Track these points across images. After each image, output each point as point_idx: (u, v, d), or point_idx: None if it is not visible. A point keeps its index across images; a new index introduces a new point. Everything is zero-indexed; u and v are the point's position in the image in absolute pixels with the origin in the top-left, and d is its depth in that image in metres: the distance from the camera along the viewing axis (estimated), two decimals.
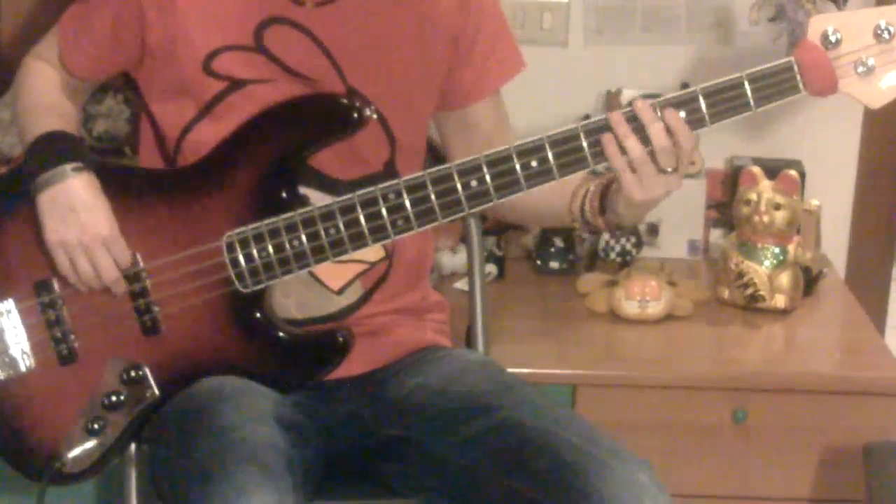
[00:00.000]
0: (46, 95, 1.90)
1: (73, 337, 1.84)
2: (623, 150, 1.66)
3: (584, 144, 1.68)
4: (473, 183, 1.70)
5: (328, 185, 1.84)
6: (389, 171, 1.88)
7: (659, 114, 1.65)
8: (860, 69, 1.61)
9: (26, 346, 1.85)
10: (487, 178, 1.70)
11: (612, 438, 1.70)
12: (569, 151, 1.68)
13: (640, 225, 2.70)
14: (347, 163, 1.84)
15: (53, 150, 1.80)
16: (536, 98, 2.63)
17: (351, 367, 1.87)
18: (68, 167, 1.78)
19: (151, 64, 1.84)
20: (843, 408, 2.32)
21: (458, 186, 1.71)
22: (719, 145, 2.77)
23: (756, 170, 2.52)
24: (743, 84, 1.63)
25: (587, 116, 2.72)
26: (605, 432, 1.71)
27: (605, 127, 1.67)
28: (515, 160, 1.69)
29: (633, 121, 1.66)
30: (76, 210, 1.77)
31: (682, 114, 1.65)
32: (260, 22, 1.80)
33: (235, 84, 1.81)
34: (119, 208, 1.81)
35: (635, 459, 1.66)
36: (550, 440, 1.68)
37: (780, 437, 2.33)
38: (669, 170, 1.67)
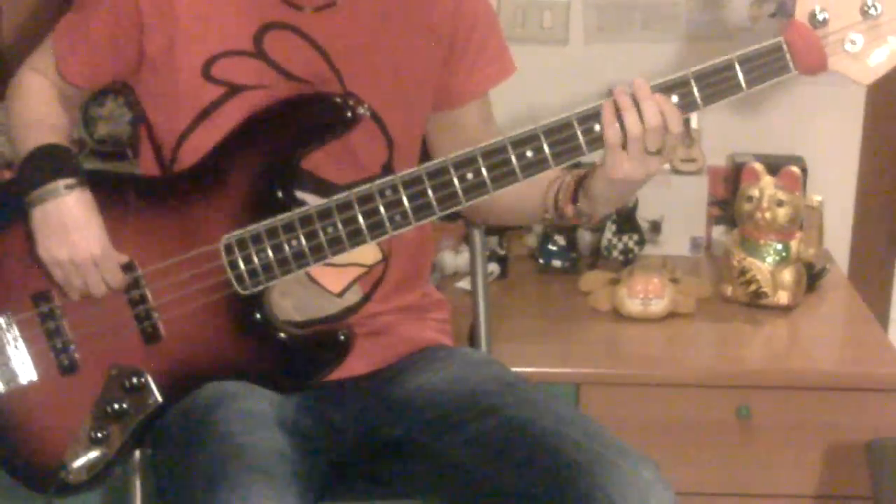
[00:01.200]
0: (39, 109, 1.88)
1: (73, 347, 1.83)
2: (620, 123, 1.66)
3: (579, 132, 1.68)
4: (469, 175, 1.70)
5: (325, 188, 1.83)
6: (387, 173, 1.87)
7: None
8: (848, 46, 1.62)
9: (26, 358, 1.84)
10: (483, 170, 1.70)
11: (617, 437, 1.70)
12: (563, 140, 1.68)
13: (642, 223, 2.70)
14: (345, 166, 1.84)
15: (47, 165, 1.79)
16: (537, 96, 2.63)
17: (353, 367, 1.87)
18: (61, 184, 1.77)
19: (149, 71, 1.84)
20: (847, 404, 2.32)
21: (455, 180, 1.70)
22: (721, 142, 2.77)
23: (758, 166, 2.52)
24: (734, 66, 1.64)
25: None
26: (609, 430, 1.71)
27: (597, 114, 1.67)
28: (510, 151, 1.69)
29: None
30: (68, 229, 1.77)
31: (675, 98, 1.66)
32: (259, 27, 1.80)
33: (234, 90, 1.80)
34: (115, 215, 1.81)
35: (640, 457, 1.66)
36: (555, 439, 1.68)
37: (784, 433, 2.33)
38: (653, 150, 1.67)
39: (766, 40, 2.29)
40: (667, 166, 2.55)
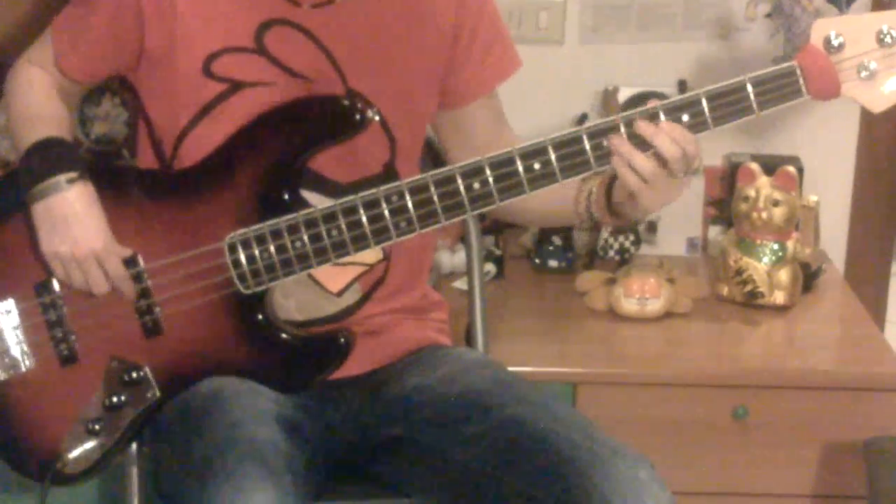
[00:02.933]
0: (39, 102, 1.88)
1: (73, 337, 1.84)
2: (634, 169, 1.66)
3: (587, 147, 1.68)
4: (476, 185, 1.70)
5: (327, 187, 1.83)
6: (389, 172, 1.87)
7: (662, 119, 1.65)
8: (863, 73, 1.62)
9: (27, 347, 1.85)
10: (490, 180, 1.70)
11: (613, 436, 1.70)
12: (572, 154, 1.68)
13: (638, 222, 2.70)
14: (346, 165, 1.84)
15: (48, 159, 1.79)
16: (533, 97, 2.63)
17: (351, 367, 1.87)
18: (62, 178, 1.77)
19: (149, 66, 1.83)
20: (844, 403, 2.32)
21: (461, 188, 1.71)
22: (717, 142, 2.77)
23: (754, 166, 2.52)
24: (746, 88, 1.63)
25: (584, 115, 2.73)
26: (606, 430, 1.71)
27: (608, 129, 1.67)
28: (518, 162, 1.69)
29: (636, 136, 1.66)
30: (69, 223, 1.76)
31: (685, 117, 1.65)
32: (260, 23, 1.80)
33: (235, 86, 1.80)
34: (121, 209, 1.81)
35: (636, 457, 1.66)
36: (551, 438, 1.68)
37: (781, 433, 2.33)
38: (683, 173, 1.67)
39: (762, 41, 2.29)
40: None
